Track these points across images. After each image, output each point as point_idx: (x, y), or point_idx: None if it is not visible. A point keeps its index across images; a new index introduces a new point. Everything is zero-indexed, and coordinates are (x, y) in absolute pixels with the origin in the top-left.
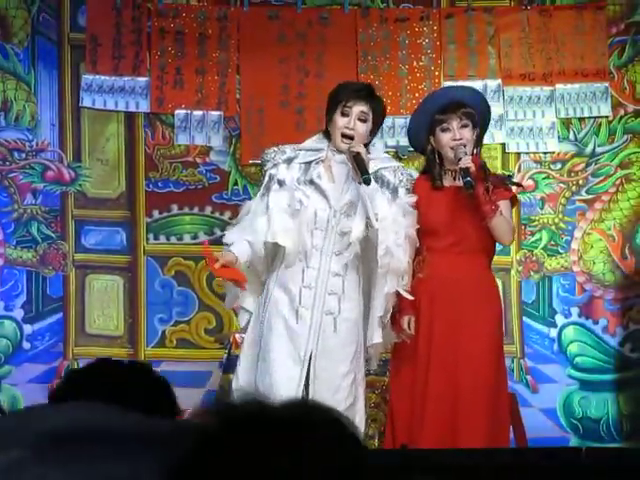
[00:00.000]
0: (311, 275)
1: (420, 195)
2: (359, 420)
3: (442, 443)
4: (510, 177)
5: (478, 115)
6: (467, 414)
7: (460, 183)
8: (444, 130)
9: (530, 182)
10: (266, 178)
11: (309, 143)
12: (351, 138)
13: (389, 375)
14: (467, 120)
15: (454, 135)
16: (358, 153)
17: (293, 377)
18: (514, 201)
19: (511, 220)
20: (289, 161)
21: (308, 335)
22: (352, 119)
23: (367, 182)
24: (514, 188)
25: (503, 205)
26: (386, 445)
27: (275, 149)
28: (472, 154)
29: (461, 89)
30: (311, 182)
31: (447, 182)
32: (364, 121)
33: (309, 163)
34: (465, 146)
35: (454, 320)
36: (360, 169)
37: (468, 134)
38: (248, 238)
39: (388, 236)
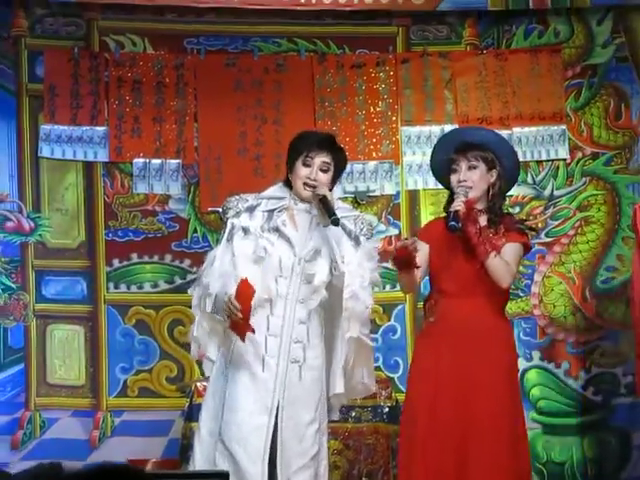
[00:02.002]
0: (276, 323)
1: (432, 237)
2: (323, 469)
3: None
4: (524, 221)
5: (499, 158)
6: (480, 457)
7: None
8: (453, 171)
9: None
10: (228, 226)
11: (270, 191)
12: (313, 187)
13: (400, 424)
14: (477, 162)
15: (459, 176)
16: (324, 196)
17: (261, 426)
18: (526, 247)
19: (515, 264)
20: (251, 209)
21: (274, 384)
22: (314, 170)
23: (336, 223)
24: (530, 233)
25: (510, 247)
26: None
27: (237, 197)
28: (484, 198)
29: (475, 130)
30: (275, 230)
31: None
32: (326, 171)
33: (272, 211)
34: (470, 188)
35: (460, 366)
36: (327, 211)
37: (475, 176)
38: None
39: (354, 279)
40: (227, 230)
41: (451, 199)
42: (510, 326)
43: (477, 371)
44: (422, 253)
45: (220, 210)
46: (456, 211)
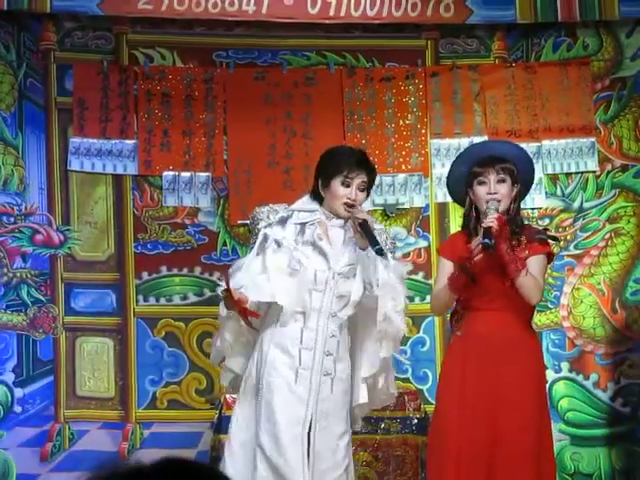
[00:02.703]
0: (309, 336)
1: (456, 253)
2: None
3: None
4: (547, 230)
5: (519, 172)
6: (508, 472)
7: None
8: (480, 183)
9: None
10: (260, 237)
11: (300, 204)
12: (352, 207)
13: (428, 436)
14: (505, 175)
15: (489, 189)
16: (365, 221)
17: (297, 438)
18: (550, 256)
19: (542, 276)
20: (283, 221)
21: (308, 396)
22: (353, 189)
23: (380, 253)
24: (551, 242)
25: (535, 261)
26: None
27: (267, 208)
28: (506, 212)
29: (503, 144)
30: (310, 243)
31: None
32: (363, 190)
33: (304, 224)
34: (499, 201)
35: (488, 379)
36: (370, 238)
37: (505, 190)
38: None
39: (386, 303)
40: (258, 241)
41: (469, 213)
42: (538, 339)
43: (504, 385)
44: (445, 270)
45: (249, 221)
46: (489, 227)
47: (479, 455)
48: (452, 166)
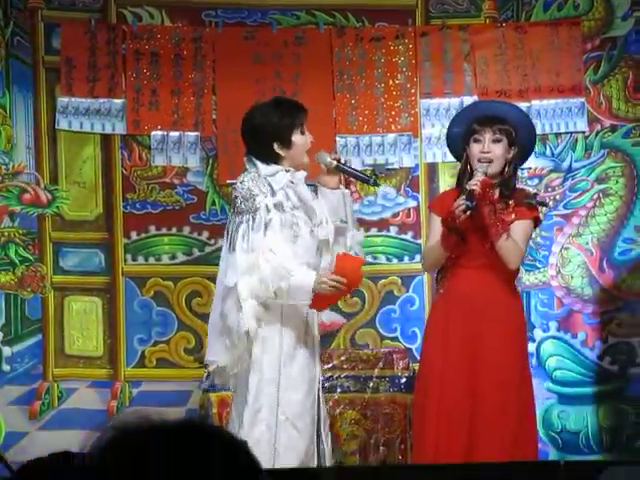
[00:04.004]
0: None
1: (445, 210)
2: None
3: (454, 457)
4: (536, 195)
5: (518, 135)
6: (488, 429)
7: None
8: (476, 141)
9: None
10: (264, 213)
11: (266, 169)
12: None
13: (414, 393)
14: (501, 135)
15: (483, 147)
16: (339, 159)
17: (314, 400)
18: (537, 221)
19: (525, 242)
20: (272, 189)
21: (316, 355)
22: (307, 134)
23: (377, 184)
24: (540, 208)
25: (520, 225)
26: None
27: (250, 179)
28: (499, 174)
29: (506, 105)
30: (296, 206)
31: None
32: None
33: (282, 188)
34: (491, 162)
35: (469, 335)
36: (353, 175)
37: (499, 150)
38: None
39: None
40: (265, 218)
41: (464, 170)
42: (520, 298)
43: (485, 343)
44: (437, 226)
45: (237, 195)
46: (472, 190)
47: (460, 411)
48: (451, 124)
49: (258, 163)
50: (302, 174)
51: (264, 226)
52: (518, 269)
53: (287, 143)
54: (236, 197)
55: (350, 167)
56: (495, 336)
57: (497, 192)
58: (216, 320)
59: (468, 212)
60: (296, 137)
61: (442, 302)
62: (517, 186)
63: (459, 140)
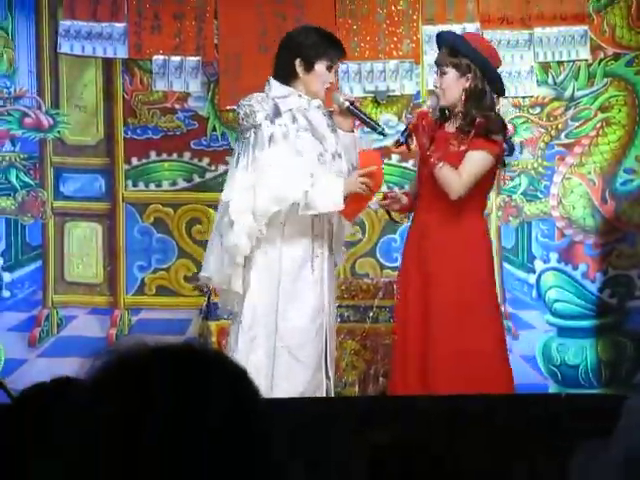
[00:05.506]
0: (319, 224)
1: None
2: None
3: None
4: (506, 134)
5: (475, 62)
6: (434, 367)
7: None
8: (436, 73)
9: (509, 126)
10: (266, 130)
11: (275, 90)
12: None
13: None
14: (445, 67)
15: (435, 80)
16: (354, 102)
17: (320, 328)
18: (494, 155)
19: (471, 172)
20: (277, 110)
21: (323, 284)
22: (333, 74)
23: (384, 134)
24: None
25: (469, 157)
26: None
27: (257, 98)
28: (459, 105)
29: (442, 34)
30: (305, 129)
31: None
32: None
33: (290, 110)
34: (437, 95)
35: (423, 270)
36: (364, 121)
37: (444, 83)
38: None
39: None
40: (266, 134)
41: None
42: (481, 230)
43: (435, 276)
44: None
45: (239, 112)
46: (407, 124)
47: (414, 350)
48: None
49: (272, 82)
50: (317, 102)
51: (267, 141)
52: (480, 200)
53: (308, 65)
54: (238, 114)
55: (361, 111)
56: (443, 266)
57: (454, 123)
58: (214, 236)
59: (401, 145)
60: (320, 66)
61: (407, 235)
62: (491, 117)
63: None
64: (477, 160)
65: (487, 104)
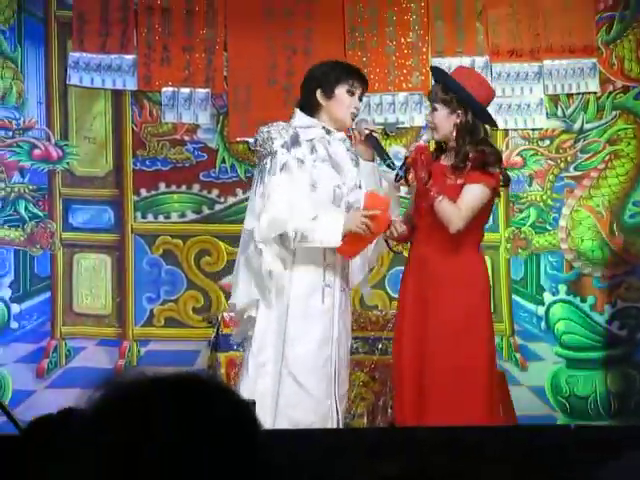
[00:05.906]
0: (331, 253)
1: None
2: None
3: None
4: (502, 166)
5: (463, 98)
6: (435, 391)
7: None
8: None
9: (518, 159)
10: (281, 157)
11: (298, 120)
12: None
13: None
14: (436, 104)
15: (428, 116)
16: (373, 132)
17: (328, 358)
18: (490, 187)
19: (469, 205)
20: (296, 139)
21: (334, 314)
22: (356, 99)
23: (392, 167)
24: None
25: (467, 190)
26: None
27: (277, 126)
28: (453, 140)
29: (434, 70)
30: (325, 159)
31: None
32: (361, 101)
33: (311, 140)
34: (433, 130)
35: (420, 299)
36: (379, 152)
37: (436, 119)
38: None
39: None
40: (280, 161)
41: None
42: (478, 262)
43: (432, 309)
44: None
45: (257, 139)
46: (405, 158)
47: (411, 375)
48: None
49: (297, 112)
50: (341, 135)
51: (280, 169)
52: (478, 234)
53: (329, 92)
54: (256, 140)
55: (378, 143)
56: (439, 297)
57: (450, 156)
58: (239, 264)
59: (401, 179)
60: (340, 90)
61: (405, 269)
62: (485, 151)
63: None
64: (475, 193)
65: (480, 137)
